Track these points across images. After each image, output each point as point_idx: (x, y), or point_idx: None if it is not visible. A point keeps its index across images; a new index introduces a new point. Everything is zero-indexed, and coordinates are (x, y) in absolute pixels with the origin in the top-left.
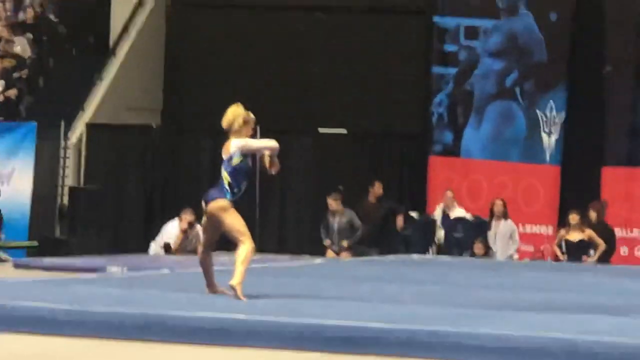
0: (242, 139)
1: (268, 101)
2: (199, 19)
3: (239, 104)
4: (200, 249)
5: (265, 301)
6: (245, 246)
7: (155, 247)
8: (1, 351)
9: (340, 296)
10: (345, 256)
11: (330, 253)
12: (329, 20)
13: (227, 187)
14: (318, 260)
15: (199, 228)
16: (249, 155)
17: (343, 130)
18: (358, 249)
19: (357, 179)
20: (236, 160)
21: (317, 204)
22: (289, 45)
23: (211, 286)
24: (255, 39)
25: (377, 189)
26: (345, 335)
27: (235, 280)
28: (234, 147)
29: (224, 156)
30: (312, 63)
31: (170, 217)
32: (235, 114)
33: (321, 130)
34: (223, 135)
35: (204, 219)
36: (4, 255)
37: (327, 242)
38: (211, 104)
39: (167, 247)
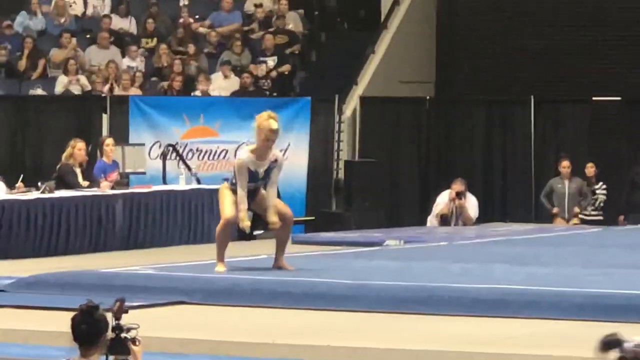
0: (240, 167)
1: (541, 71)
2: None
3: (267, 114)
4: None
5: (544, 270)
6: (218, 225)
7: (431, 219)
8: (282, 325)
9: (618, 264)
10: (575, 223)
11: (559, 220)
12: None
13: (232, 177)
14: (595, 229)
15: (468, 198)
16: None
17: (617, 98)
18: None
19: (633, 146)
20: None
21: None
22: (561, 13)
23: (276, 259)
24: (527, 7)
25: None
26: (626, 304)
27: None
28: (238, 159)
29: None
30: (585, 31)
31: (445, 189)
32: (256, 122)
33: (595, 98)
34: (496, 106)
35: None
36: None
37: (555, 209)
38: (484, 75)
39: (442, 219)
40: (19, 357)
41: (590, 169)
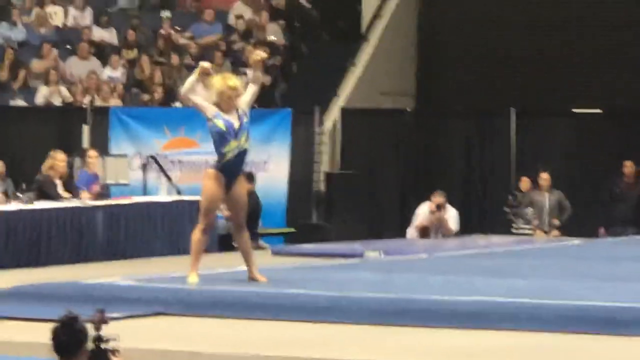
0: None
1: (521, 83)
2: (451, 1)
3: (221, 76)
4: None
5: (524, 283)
6: (194, 231)
7: (411, 231)
8: (262, 337)
9: (598, 276)
10: (555, 235)
11: (538, 233)
12: None
13: (217, 159)
14: (575, 241)
15: (448, 210)
16: (217, 119)
17: (598, 110)
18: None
19: (613, 159)
20: (209, 126)
21: (574, 184)
22: (542, 25)
23: (249, 271)
24: (508, 19)
25: (629, 168)
26: (606, 316)
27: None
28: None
29: None
30: (566, 42)
31: (425, 201)
32: (213, 87)
33: (575, 110)
34: (476, 118)
35: None
36: (262, 243)
37: (535, 222)
38: (464, 87)
39: (422, 231)
40: None
41: (524, 183)
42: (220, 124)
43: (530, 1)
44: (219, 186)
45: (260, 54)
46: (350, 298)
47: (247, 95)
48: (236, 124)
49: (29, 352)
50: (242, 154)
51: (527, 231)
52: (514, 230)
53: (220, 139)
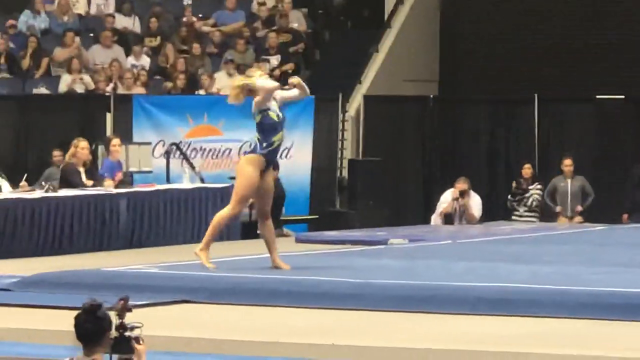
0: (257, 97)
1: (545, 69)
2: None
3: (237, 77)
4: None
5: (547, 269)
6: (223, 210)
7: (434, 217)
8: (286, 325)
9: (621, 263)
10: (578, 221)
11: (562, 219)
12: None
13: (257, 142)
14: (599, 227)
15: (472, 196)
16: (271, 111)
17: (621, 96)
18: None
19: (636, 145)
20: (257, 118)
21: (596, 171)
22: (565, 12)
23: (272, 259)
24: (530, 6)
25: None
26: (629, 303)
27: (198, 247)
28: (253, 107)
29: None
30: (589, 29)
31: (448, 188)
32: (232, 89)
33: (599, 96)
34: (500, 104)
35: None
36: (286, 230)
37: (558, 208)
38: (488, 73)
39: (446, 217)
40: (23, 356)
41: (527, 170)
42: (274, 115)
43: None
44: (258, 173)
45: (295, 78)
46: (374, 285)
47: (288, 93)
48: (281, 115)
49: (53, 340)
50: (281, 144)
51: (529, 219)
52: (515, 218)
53: (271, 129)
